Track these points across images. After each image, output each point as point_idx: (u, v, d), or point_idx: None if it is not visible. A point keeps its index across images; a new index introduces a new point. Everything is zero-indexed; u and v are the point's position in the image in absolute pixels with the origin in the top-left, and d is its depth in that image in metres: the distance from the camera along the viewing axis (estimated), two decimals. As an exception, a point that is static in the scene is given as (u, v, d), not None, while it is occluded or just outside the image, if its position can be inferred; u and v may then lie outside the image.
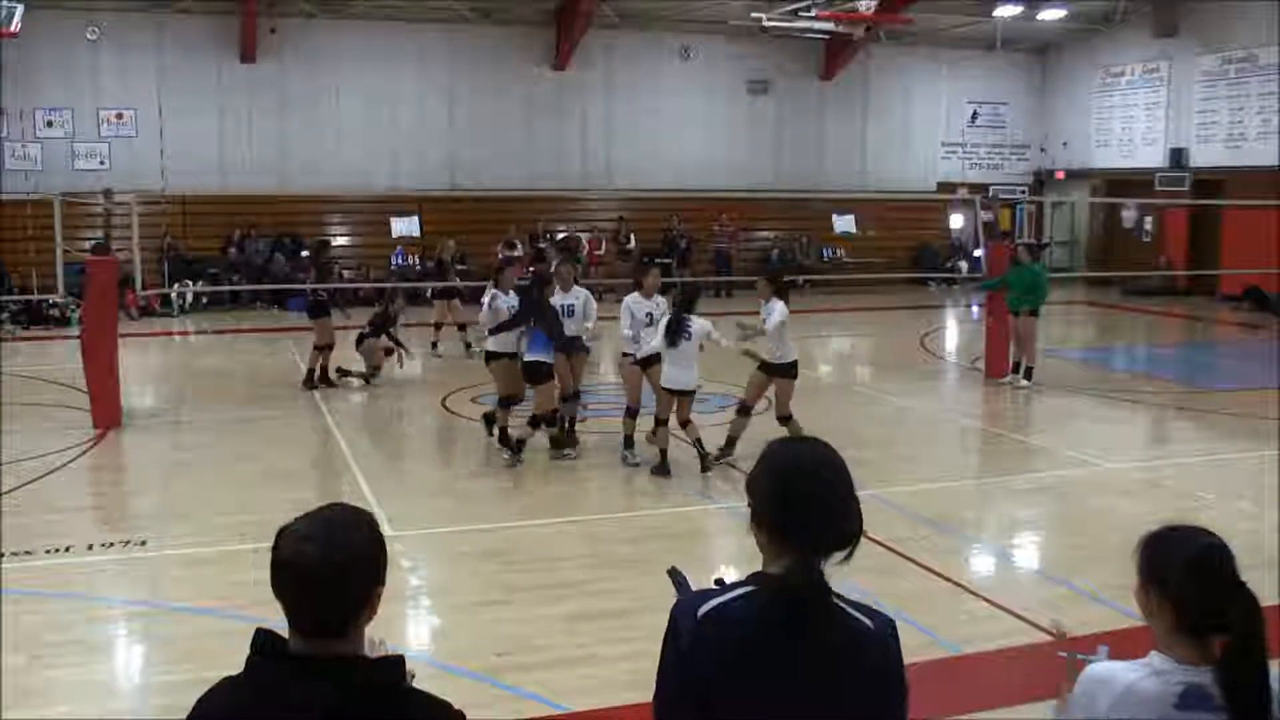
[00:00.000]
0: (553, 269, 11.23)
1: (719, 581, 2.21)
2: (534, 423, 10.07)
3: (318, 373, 13.71)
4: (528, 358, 9.88)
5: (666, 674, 2.16)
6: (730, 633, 2.10)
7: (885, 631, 2.17)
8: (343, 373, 14.02)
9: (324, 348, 13.63)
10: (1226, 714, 2.27)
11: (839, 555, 2.17)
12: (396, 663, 2.01)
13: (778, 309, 9.61)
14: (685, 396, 9.62)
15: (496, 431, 10.54)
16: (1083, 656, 2.60)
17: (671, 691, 2.15)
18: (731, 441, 9.96)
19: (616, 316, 10.70)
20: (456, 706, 2.10)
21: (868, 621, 2.16)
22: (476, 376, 14.49)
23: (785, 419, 9.82)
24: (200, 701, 2.06)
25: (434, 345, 16.30)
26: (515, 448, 10.06)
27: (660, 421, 9.71)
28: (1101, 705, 2.35)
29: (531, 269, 11.61)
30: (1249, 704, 2.25)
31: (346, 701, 1.93)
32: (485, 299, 10.56)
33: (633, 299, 10.17)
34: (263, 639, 1.99)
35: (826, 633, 2.11)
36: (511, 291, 10.69)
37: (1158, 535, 2.45)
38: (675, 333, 9.36)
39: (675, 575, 2.39)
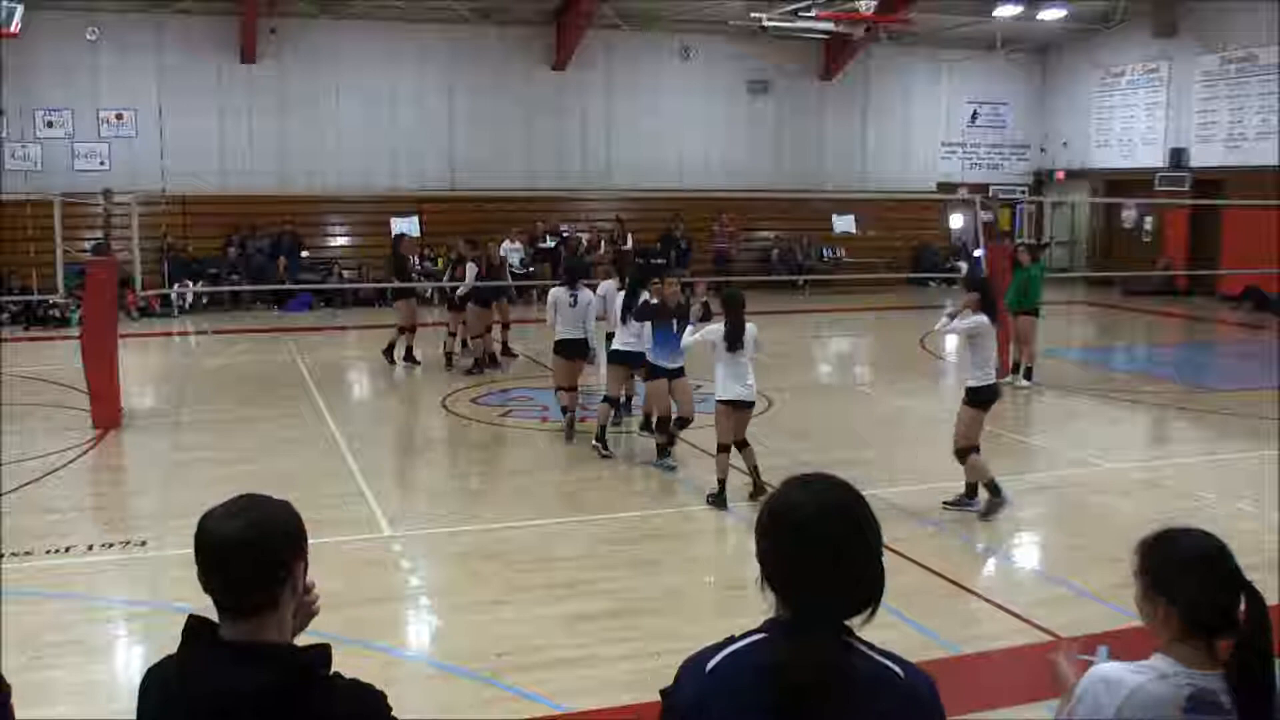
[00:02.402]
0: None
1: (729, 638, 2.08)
2: (661, 426, 9.94)
3: (485, 354, 14.77)
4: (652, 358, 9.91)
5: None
6: (743, 680, 2.00)
7: (921, 683, 2.03)
8: (507, 350, 15.46)
9: (486, 330, 14.77)
10: (1234, 717, 2.27)
11: (856, 619, 2.02)
12: (322, 650, 2.09)
13: (970, 321, 8.50)
14: (744, 410, 8.79)
15: (598, 430, 10.34)
16: (1082, 657, 2.59)
17: None
18: (972, 489, 8.65)
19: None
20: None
21: (897, 670, 2.02)
22: (477, 377, 14.50)
23: (960, 453, 8.63)
24: (144, 678, 2.16)
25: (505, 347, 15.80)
26: (664, 453, 9.88)
27: (724, 447, 8.73)
28: (1107, 708, 2.34)
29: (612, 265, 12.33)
30: (1257, 706, 2.25)
31: (272, 686, 2.00)
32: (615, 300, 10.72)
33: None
34: (193, 625, 2.09)
35: (844, 688, 1.96)
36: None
37: (1156, 538, 2.44)
38: (735, 338, 8.56)
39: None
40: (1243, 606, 2.30)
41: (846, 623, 2.02)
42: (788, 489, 2.11)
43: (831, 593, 1.99)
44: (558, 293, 11.07)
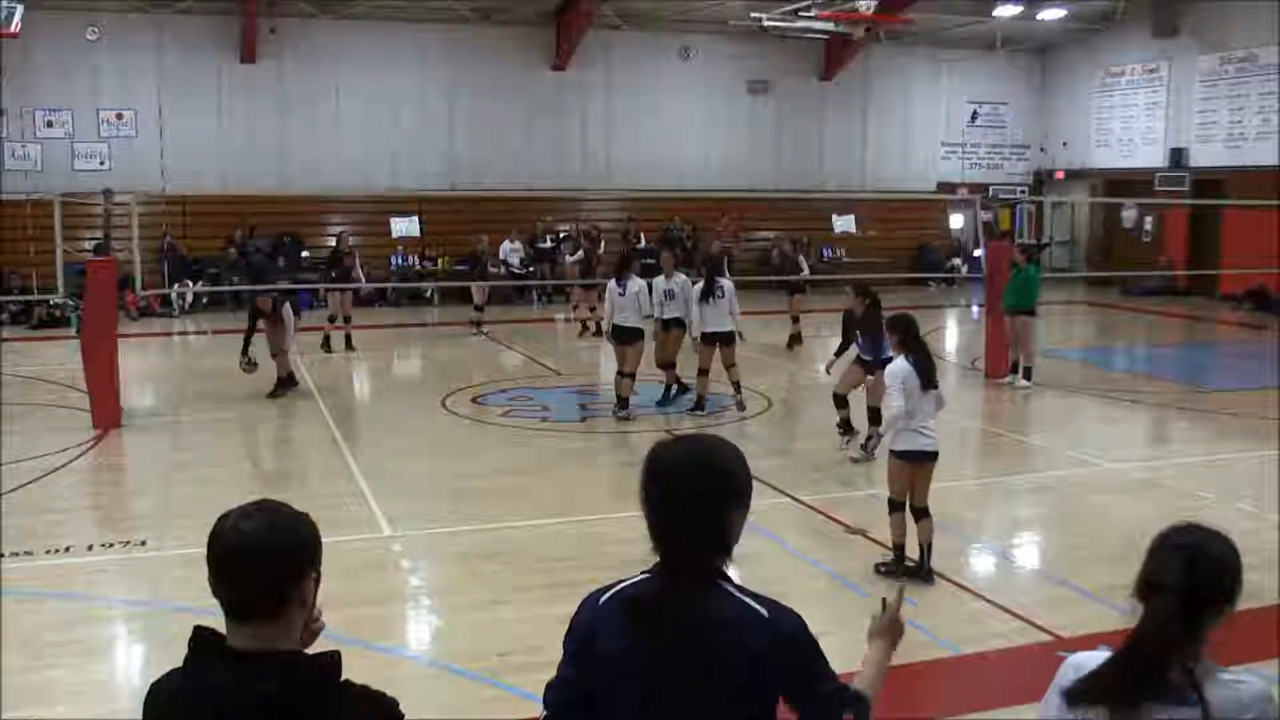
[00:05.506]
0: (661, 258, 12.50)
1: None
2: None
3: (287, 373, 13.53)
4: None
5: (567, 645, 2.39)
6: (625, 608, 2.28)
7: (784, 620, 2.23)
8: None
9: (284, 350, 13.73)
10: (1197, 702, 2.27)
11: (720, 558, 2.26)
12: (333, 657, 2.07)
13: None
14: (929, 463, 7.04)
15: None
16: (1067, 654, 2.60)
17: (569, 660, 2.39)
18: None
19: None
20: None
21: (762, 610, 2.22)
22: (477, 374, 14.50)
23: None
24: (150, 693, 2.13)
25: None
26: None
27: (898, 505, 7.08)
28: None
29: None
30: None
31: (284, 694, 1.99)
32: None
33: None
34: (200, 636, 2.07)
35: (701, 625, 2.20)
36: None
37: (1161, 532, 2.45)
38: (930, 374, 7.00)
39: None
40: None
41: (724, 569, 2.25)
42: (664, 444, 2.34)
43: (691, 538, 2.21)
44: (611, 285, 11.91)
